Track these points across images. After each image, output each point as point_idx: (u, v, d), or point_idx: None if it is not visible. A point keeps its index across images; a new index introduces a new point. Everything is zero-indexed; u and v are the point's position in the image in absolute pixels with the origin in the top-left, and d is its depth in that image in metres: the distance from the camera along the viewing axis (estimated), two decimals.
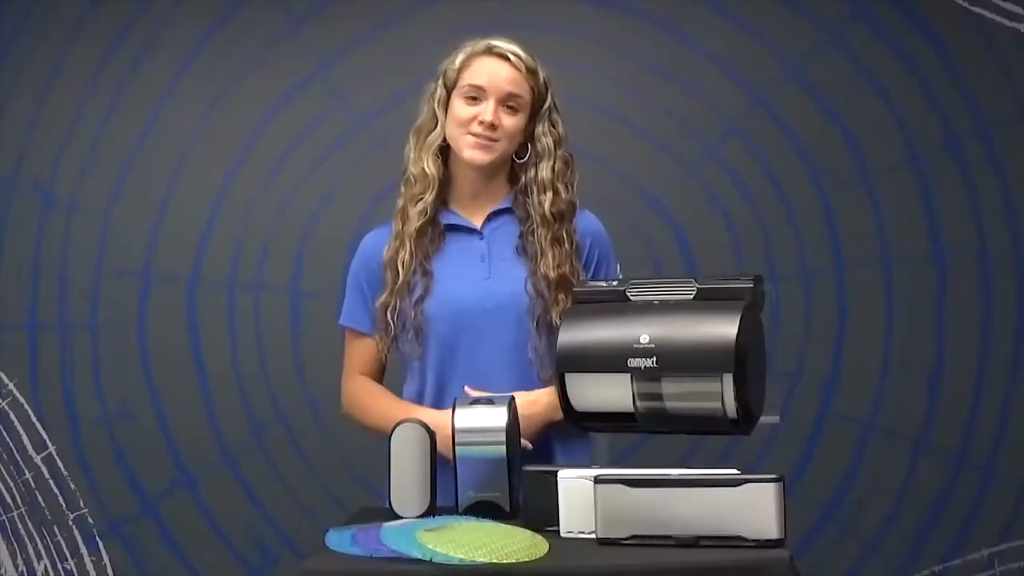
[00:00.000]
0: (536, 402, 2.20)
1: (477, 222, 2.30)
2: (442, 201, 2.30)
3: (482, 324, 2.23)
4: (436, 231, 2.28)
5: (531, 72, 2.25)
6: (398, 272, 2.25)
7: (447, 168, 2.30)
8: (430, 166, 2.26)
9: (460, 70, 2.26)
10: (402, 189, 2.30)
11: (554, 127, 2.28)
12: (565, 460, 2.24)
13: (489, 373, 2.23)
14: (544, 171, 2.26)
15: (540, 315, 2.22)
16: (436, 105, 2.28)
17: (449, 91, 2.27)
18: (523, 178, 2.29)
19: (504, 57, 2.24)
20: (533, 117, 2.28)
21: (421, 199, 2.26)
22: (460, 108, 2.25)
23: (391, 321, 2.25)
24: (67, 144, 3.42)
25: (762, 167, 3.36)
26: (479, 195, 2.30)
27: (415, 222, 2.25)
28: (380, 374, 2.35)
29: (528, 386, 2.22)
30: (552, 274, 2.23)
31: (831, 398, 3.33)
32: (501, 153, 2.25)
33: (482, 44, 2.26)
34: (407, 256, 2.24)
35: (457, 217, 2.30)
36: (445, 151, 2.29)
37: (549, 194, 2.26)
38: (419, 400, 2.28)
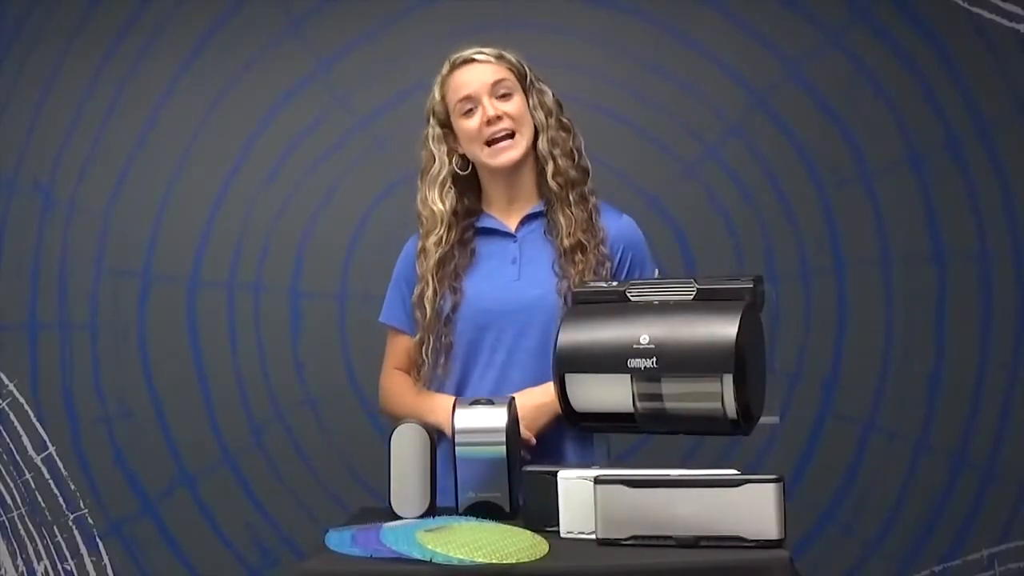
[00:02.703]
0: (550, 391, 2.20)
1: (512, 225, 2.34)
2: (480, 208, 2.36)
3: (505, 324, 2.28)
4: (465, 250, 2.33)
5: (500, 58, 2.33)
6: (426, 310, 2.29)
7: (475, 183, 2.35)
8: (438, 203, 2.32)
9: (443, 98, 2.34)
10: (420, 233, 2.35)
11: (541, 98, 2.34)
12: (576, 453, 2.28)
13: (510, 373, 2.27)
14: (542, 144, 2.32)
15: (566, 294, 2.25)
16: (434, 144, 2.34)
17: (443, 124, 2.34)
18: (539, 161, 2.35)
19: (469, 60, 2.33)
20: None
21: (434, 233, 2.31)
22: (464, 125, 2.31)
23: (426, 357, 2.30)
24: (67, 144, 3.41)
25: (762, 167, 3.36)
26: (514, 199, 2.35)
27: (433, 255, 2.30)
28: (418, 370, 2.38)
29: None
30: (567, 242, 2.28)
31: (831, 398, 3.33)
32: (524, 145, 2.31)
33: (446, 66, 2.35)
34: (431, 293, 2.29)
35: (493, 220, 2.35)
36: (458, 181, 2.34)
37: (550, 165, 2.32)
38: None
